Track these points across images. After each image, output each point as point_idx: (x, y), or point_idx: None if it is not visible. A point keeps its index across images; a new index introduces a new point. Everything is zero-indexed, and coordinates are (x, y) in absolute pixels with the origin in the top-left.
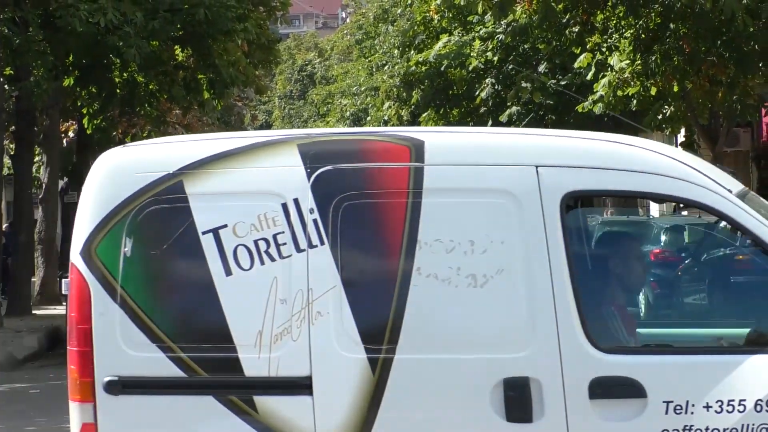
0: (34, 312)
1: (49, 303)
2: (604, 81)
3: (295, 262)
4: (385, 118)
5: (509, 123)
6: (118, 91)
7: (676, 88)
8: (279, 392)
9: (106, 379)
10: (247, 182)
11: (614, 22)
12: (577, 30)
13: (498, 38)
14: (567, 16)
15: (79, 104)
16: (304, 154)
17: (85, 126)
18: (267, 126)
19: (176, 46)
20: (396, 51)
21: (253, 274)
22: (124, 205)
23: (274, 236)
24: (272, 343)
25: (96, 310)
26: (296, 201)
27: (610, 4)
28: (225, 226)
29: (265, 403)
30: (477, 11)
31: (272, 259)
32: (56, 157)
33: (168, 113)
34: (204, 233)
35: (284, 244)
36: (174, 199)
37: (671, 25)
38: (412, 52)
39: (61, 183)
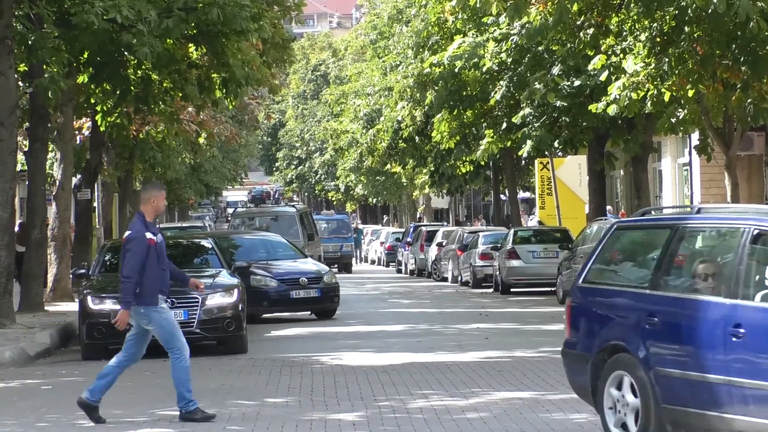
0: (46, 308)
1: (61, 299)
2: (619, 83)
3: None
4: (399, 118)
5: (522, 125)
6: (132, 88)
7: (691, 92)
8: None
9: None
10: None
11: (629, 24)
12: (591, 32)
13: (512, 40)
14: (582, 18)
15: (93, 101)
16: None
17: (99, 123)
18: (280, 125)
19: (190, 45)
20: (410, 51)
21: None
22: None
23: None
24: None
25: None
26: None
27: (624, 6)
28: None
29: None
30: (492, 12)
31: None
32: (70, 153)
33: (181, 111)
34: None
35: None
36: None
37: (686, 28)
38: (427, 53)
39: (74, 180)
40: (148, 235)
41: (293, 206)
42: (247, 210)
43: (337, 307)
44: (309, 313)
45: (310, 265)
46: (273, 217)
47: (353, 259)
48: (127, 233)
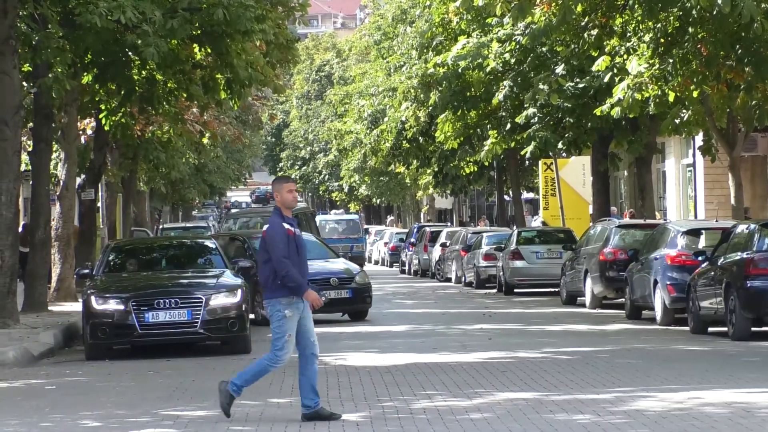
0: (50, 308)
1: (65, 299)
2: (623, 85)
3: None
4: (403, 119)
5: (526, 125)
6: (136, 88)
7: (695, 93)
8: None
9: None
10: None
11: (633, 25)
12: (595, 33)
13: (516, 40)
14: (586, 19)
15: (97, 101)
16: None
17: (103, 123)
18: (284, 125)
19: (194, 45)
20: (414, 52)
21: None
22: None
23: None
24: None
25: None
26: None
27: (628, 7)
28: None
29: None
30: (496, 13)
31: None
32: (74, 154)
33: (185, 111)
34: None
35: None
36: None
37: (690, 29)
38: (431, 53)
39: (78, 180)
40: (286, 225)
41: None
42: (240, 211)
43: (369, 307)
44: (341, 314)
45: (341, 264)
46: (265, 218)
47: (365, 261)
48: (265, 227)
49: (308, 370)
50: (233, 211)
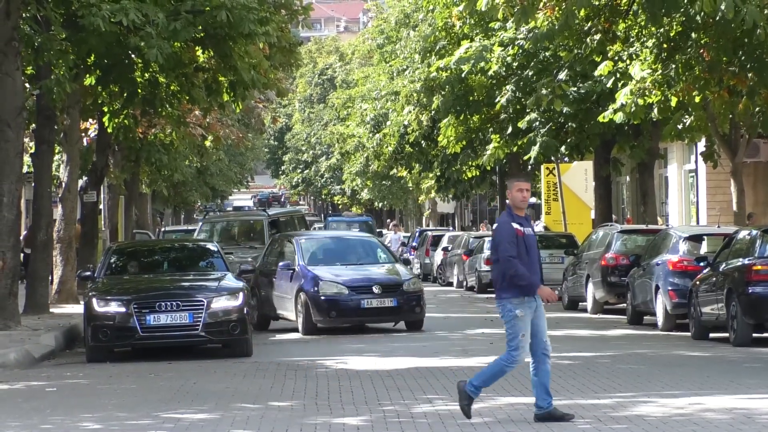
0: (51, 310)
1: (66, 301)
2: (626, 90)
3: None
4: (405, 123)
5: (529, 130)
6: (139, 91)
7: (697, 98)
8: None
9: None
10: None
11: (636, 30)
12: (598, 38)
13: (519, 44)
14: (589, 24)
15: (99, 103)
16: None
17: (106, 125)
18: (287, 129)
19: (197, 48)
20: (417, 56)
21: None
22: None
23: None
24: None
25: None
26: None
27: (632, 12)
28: None
29: None
30: (499, 17)
31: None
32: (76, 155)
33: (188, 114)
34: None
35: None
36: None
37: (692, 35)
38: (434, 57)
39: (80, 182)
40: (515, 225)
41: (265, 210)
42: (218, 215)
43: (422, 317)
44: (392, 324)
45: (388, 270)
46: (242, 223)
47: None
48: (494, 226)
49: (540, 370)
50: (210, 215)
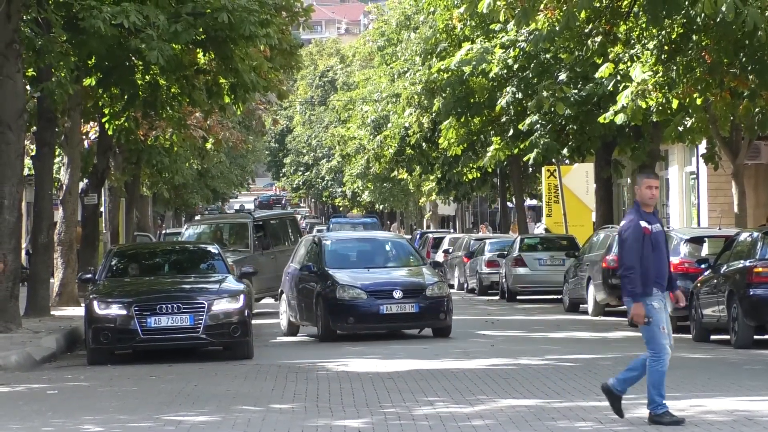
0: (52, 313)
1: (67, 304)
2: (626, 92)
3: None
4: (406, 125)
5: (530, 132)
6: (140, 93)
7: (698, 100)
8: None
9: None
10: None
11: (637, 32)
12: (599, 40)
13: (519, 46)
14: (590, 26)
15: (100, 105)
16: None
17: (107, 127)
18: (288, 131)
19: (198, 50)
20: (418, 58)
21: None
22: None
23: None
24: None
25: None
26: None
27: (633, 14)
28: None
29: None
30: (500, 19)
31: None
32: (77, 158)
33: (189, 116)
34: None
35: None
36: None
37: (693, 37)
38: (434, 59)
39: (81, 184)
40: (642, 223)
41: (250, 213)
42: (201, 218)
43: (448, 323)
44: (418, 331)
45: (411, 274)
46: (225, 225)
47: None
48: (621, 223)
49: (643, 365)
50: (196, 218)
